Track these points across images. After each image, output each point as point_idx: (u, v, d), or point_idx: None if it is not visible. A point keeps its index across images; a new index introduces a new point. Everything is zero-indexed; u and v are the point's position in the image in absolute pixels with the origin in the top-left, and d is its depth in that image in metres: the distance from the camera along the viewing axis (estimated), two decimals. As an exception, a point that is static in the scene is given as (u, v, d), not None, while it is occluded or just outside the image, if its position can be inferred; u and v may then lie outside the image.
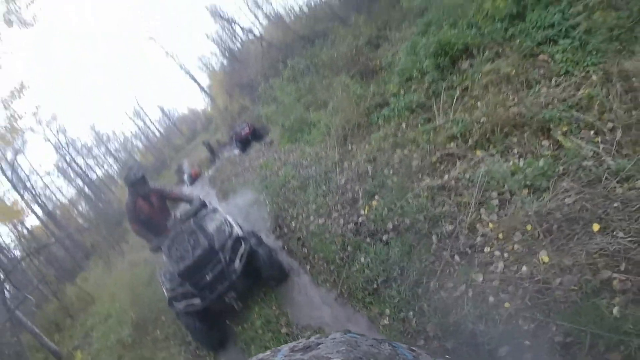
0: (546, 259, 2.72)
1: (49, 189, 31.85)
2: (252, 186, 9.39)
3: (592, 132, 3.42)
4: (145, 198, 5.30)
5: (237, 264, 4.57)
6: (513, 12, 5.27)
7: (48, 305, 10.60)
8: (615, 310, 2.23)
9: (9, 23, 9.21)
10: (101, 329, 8.17)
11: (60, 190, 34.09)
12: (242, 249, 4.68)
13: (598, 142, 3.27)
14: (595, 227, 2.70)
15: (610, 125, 3.34)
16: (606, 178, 2.95)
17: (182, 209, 6.05)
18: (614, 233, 2.60)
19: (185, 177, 20.67)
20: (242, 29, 24.09)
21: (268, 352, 1.26)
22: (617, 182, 2.88)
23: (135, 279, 9.82)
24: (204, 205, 6.15)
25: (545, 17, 4.81)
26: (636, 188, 2.77)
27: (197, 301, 4.53)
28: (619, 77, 3.52)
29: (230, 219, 5.11)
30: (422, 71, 6.05)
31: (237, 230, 4.88)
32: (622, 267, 2.40)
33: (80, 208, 34.54)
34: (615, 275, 2.39)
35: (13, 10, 9.12)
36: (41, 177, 30.85)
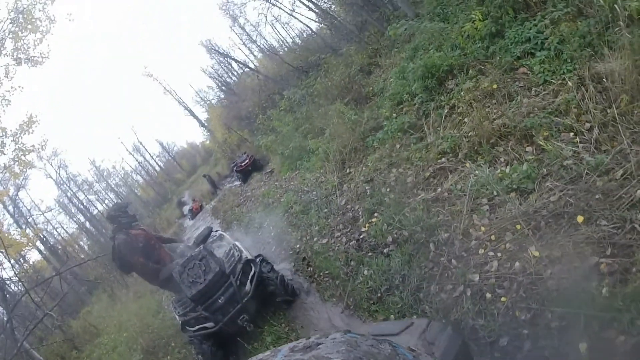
0: (536, 254, 2.89)
1: (51, 224, 32.00)
2: (255, 214, 9.56)
3: (571, 133, 3.65)
4: (135, 227, 5.35)
5: (248, 287, 4.67)
6: (492, 31, 5.59)
7: (53, 339, 10.39)
8: (604, 290, 2.40)
9: (18, 61, 9.53)
10: (109, 359, 8.19)
11: (61, 226, 34.34)
12: (252, 271, 4.80)
13: (577, 142, 3.49)
14: (580, 218, 2.87)
15: (587, 125, 3.57)
16: (587, 174, 3.15)
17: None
18: (598, 222, 2.77)
19: (186, 209, 20.91)
20: (237, 62, 24.75)
21: (268, 352, 1.35)
22: (597, 176, 3.08)
23: (143, 309, 9.84)
24: (211, 231, 6.32)
25: (522, 33, 5.11)
26: (615, 179, 2.96)
27: (210, 325, 4.57)
28: (592, 80, 3.77)
29: (238, 244, 5.27)
30: (412, 94, 6.35)
31: (246, 254, 5.03)
32: (608, 252, 2.57)
33: (82, 243, 34.63)
34: (602, 260, 2.56)
35: (22, 48, 9.44)
36: (42, 213, 31.00)
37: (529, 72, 4.79)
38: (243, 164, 16.52)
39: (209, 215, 16.18)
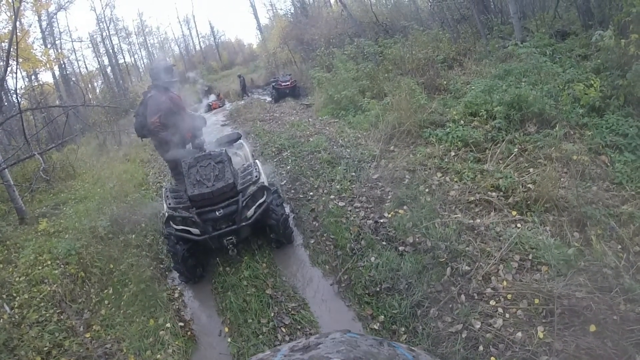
0: (541, 335, 2.97)
1: (75, 54, 32.14)
2: (277, 138, 9.45)
3: (620, 246, 3.67)
4: (172, 90, 5.24)
5: (251, 212, 4.48)
6: (595, 104, 5.46)
7: (30, 163, 9.53)
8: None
9: None
10: (74, 207, 7.79)
11: (84, 60, 34.37)
12: (263, 199, 4.60)
13: (622, 257, 3.51)
14: (592, 328, 2.93)
15: (637, 249, 3.58)
16: (616, 292, 3.18)
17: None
18: (605, 341, 2.84)
19: (208, 98, 20.78)
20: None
21: (268, 352, 1.36)
22: (624, 299, 3.11)
23: (127, 175, 9.63)
24: (239, 138, 6.20)
25: (622, 125, 5.02)
26: (636, 312, 3.00)
27: (195, 231, 4.40)
28: (666, 213, 3.76)
29: (259, 165, 5.04)
30: (491, 114, 6.22)
31: (263, 179, 4.83)
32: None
33: (96, 84, 34.61)
34: (593, 373, 2.67)
35: None
36: (72, 41, 31.25)
37: (609, 164, 4.73)
38: (284, 83, 16.25)
39: (226, 116, 15.70)
